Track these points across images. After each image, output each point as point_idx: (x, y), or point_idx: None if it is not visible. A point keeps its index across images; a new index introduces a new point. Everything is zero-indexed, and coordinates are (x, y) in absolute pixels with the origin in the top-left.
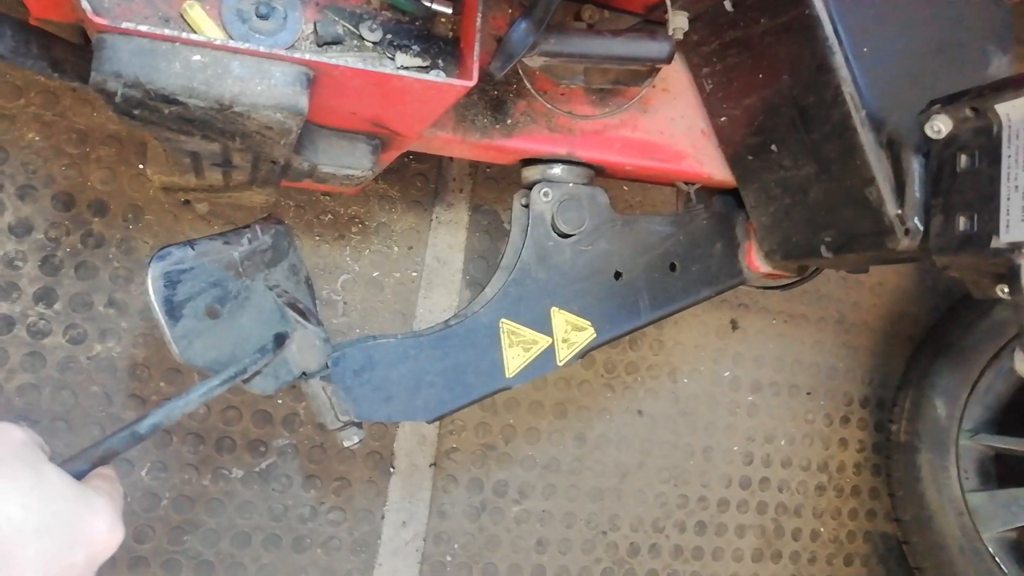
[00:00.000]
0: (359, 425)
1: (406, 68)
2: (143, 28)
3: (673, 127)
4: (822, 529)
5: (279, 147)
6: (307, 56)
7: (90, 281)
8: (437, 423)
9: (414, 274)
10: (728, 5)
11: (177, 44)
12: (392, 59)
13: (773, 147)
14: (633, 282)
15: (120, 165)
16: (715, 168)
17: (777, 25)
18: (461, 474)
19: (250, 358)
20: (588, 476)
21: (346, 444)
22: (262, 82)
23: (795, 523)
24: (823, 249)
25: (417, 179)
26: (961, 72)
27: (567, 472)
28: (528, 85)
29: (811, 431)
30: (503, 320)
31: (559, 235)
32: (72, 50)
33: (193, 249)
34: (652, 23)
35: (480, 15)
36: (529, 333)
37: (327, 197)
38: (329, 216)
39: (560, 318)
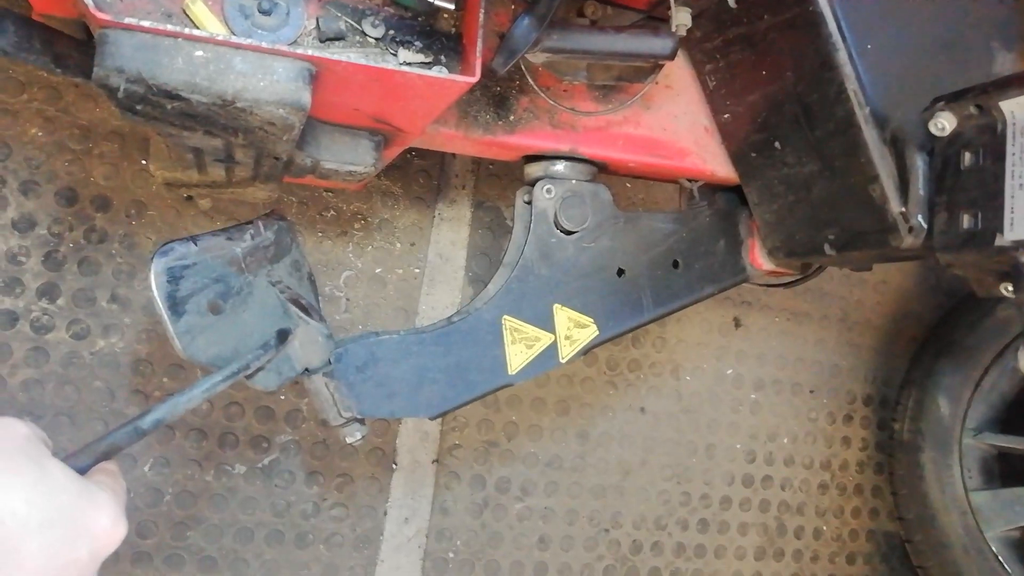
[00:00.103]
0: (362, 421)
1: (408, 64)
2: (146, 24)
3: (676, 124)
4: (825, 527)
5: (282, 143)
6: (309, 52)
7: (93, 277)
8: (440, 420)
9: (416, 270)
10: (731, 2)
11: (180, 40)
12: (395, 55)
13: (776, 144)
14: (636, 279)
15: (123, 161)
16: (718, 165)
17: (780, 22)
18: (464, 471)
19: (253, 354)
20: (591, 473)
21: (349, 440)
22: (264, 78)
23: (798, 521)
24: (826, 247)
25: (420, 175)
26: (965, 69)
27: (569, 469)
28: (531, 81)
29: (814, 429)
30: (506, 317)
31: (562, 232)
32: (75, 46)
33: (196, 245)
34: (655, 19)
35: (483, 11)
36: (532, 330)
37: (330, 193)
38: (332, 212)
39: (563, 315)
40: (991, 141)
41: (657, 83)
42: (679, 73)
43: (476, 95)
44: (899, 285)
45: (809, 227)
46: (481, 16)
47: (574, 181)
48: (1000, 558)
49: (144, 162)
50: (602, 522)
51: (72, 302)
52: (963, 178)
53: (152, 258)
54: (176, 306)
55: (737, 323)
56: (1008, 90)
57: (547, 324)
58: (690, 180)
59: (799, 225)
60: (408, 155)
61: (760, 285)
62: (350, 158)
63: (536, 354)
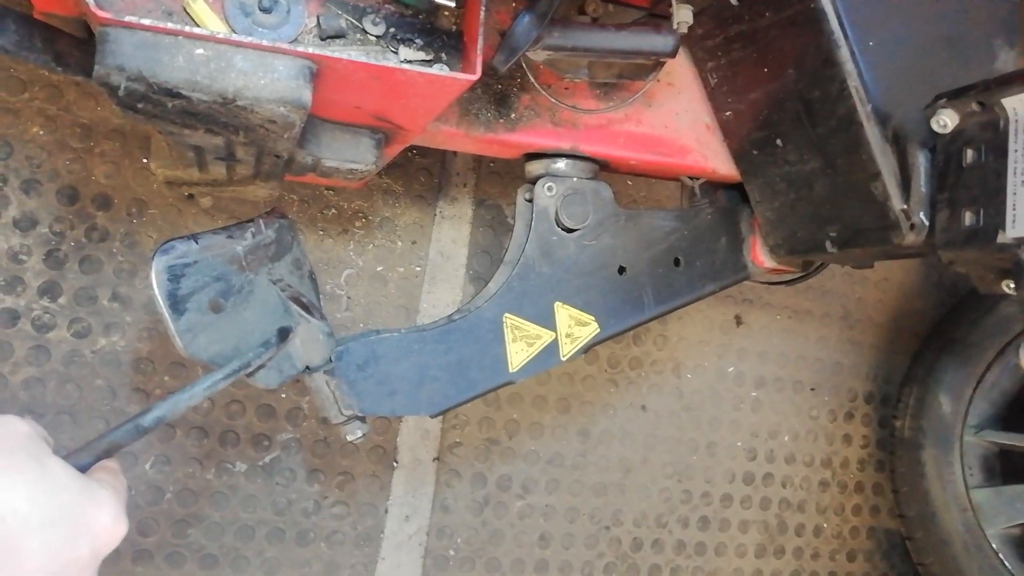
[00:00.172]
0: (362, 419)
1: (409, 62)
2: (146, 22)
3: (678, 121)
4: (825, 525)
5: (282, 141)
6: (310, 50)
7: (94, 275)
8: (440, 418)
9: (418, 269)
10: None
11: (180, 38)
12: (395, 53)
13: (778, 141)
14: (637, 277)
15: (124, 159)
16: (720, 163)
17: (782, 19)
18: (464, 469)
19: (254, 352)
20: (592, 471)
21: (350, 438)
22: (265, 76)
23: (798, 519)
24: (828, 244)
25: (421, 174)
26: (967, 66)
27: (570, 467)
28: (532, 79)
29: (815, 427)
30: (507, 315)
31: (563, 230)
32: (76, 44)
33: (197, 243)
34: (657, 17)
35: (484, 9)
36: (533, 328)
37: (331, 192)
38: (333, 211)
39: (564, 313)
40: (993, 138)
41: (658, 81)
42: (680, 70)
43: (477, 93)
44: (901, 282)
45: (811, 224)
46: (482, 14)
47: (575, 179)
48: (1001, 555)
49: (145, 160)
50: (603, 520)
51: (73, 300)
52: (965, 175)
53: (153, 256)
54: (177, 304)
55: (738, 321)
56: (1010, 87)
57: (548, 322)
58: (691, 178)
59: (801, 222)
60: (409, 153)
61: (761, 283)
62: (351, 156)
63: (537, 352)
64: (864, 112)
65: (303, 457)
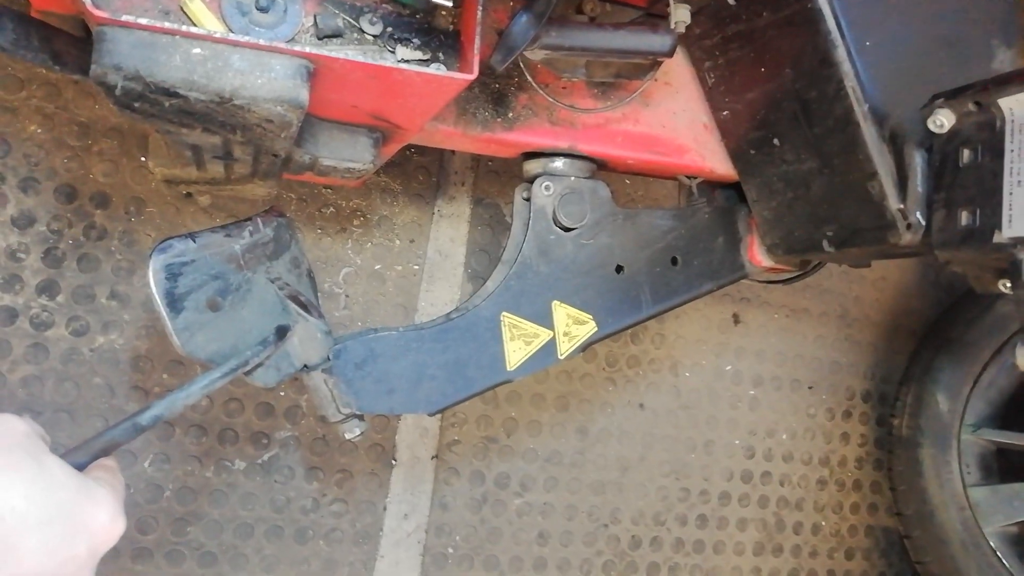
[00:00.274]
0: (361, 418)
1: (406, 61)
2: (143, 21)
3: (675, 121)
4: (823, 523)
5: (280, 140)
6: (307, 49)
7: (92, 273)
8: (439, 416)
9: (416, 267)
10: None
11: (177, 37)
12: (392, 52)
13: (775, 141)
14: (635, 276)
15: (122, 158)
16: (717, 162)
17: (779, 19)
18: (463, 466)
19: (251, 350)
20: (590, 469)
21: (348, 436)
22: (262, 75)
23: (796, 517)
24: (825, 243)
25: (419, 172)
26: (965, 66)
27: (569, 465)
28: (529, 78)
29: (813, 425)
30: (504, 313)
31: (561, 229)
32: (73, 43)
33: (194, 242)
34: (654, 16)
35: (481, 8)
36: (530, 326)
37: (329, 190)
38: (331, 209)
39: (561, 312)
40: (990, 138)
41: (656, 80)
42: (678, 70)
43: (475, 92)
44: (898, 281)
45: (808, 224)
46: (479, 13)
47: (573, 178)
48: (998, 553)
49: (143, 159)
50: (601, 518)
51: (71, 299)
52: (962, 175)
53: (150, 255)
54: (174, 303)
55: (736, 319)
56: (1007, 87)
57: (546, 321)
58: (689, 177)
59: (798, 222)
60: (407, 152)
61: (759, 281)
62: (348, 155)
63: (535, 350)
64: (861, 112)
65: (302, 455)
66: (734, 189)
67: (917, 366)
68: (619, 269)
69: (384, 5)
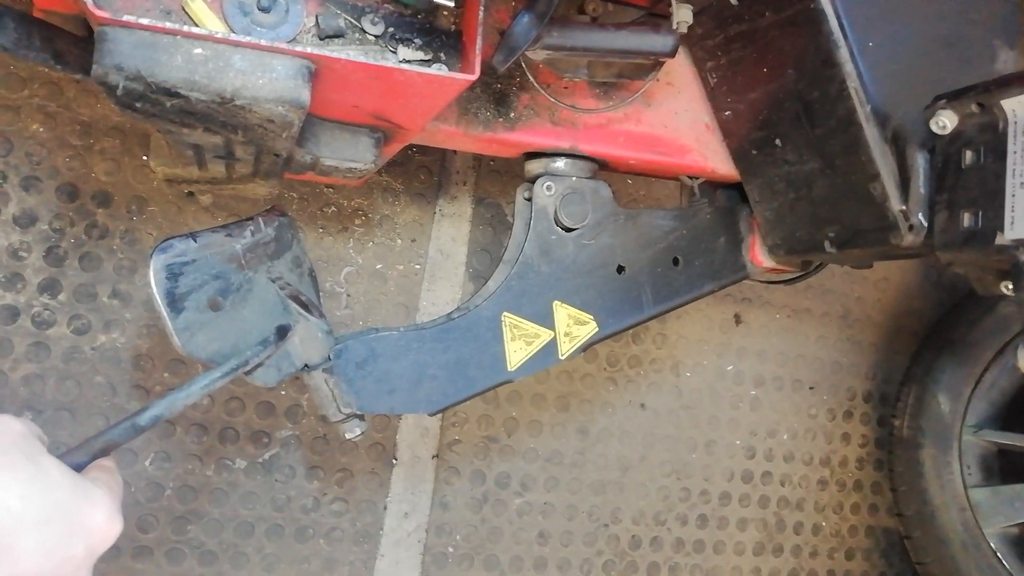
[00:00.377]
0: (361, 417)
1: (408, 62)
2: (145, 21)
3: (677, 121)
4: (824, 523)
5: (281, 140)
6: (309, 49)
7: (94, 272)
8: (439, 415)
9: (417, 267)
10: None
11: (179, 37)
12: (394, 52)
13: (777, 142)
14: (636, 276)
15: (124, 156)
16: (719, 162)
17: (782, 19)
18: (463, 466)
19: (252, 350)
20: (590, 469)
21: (348, 436)
22: (264, 75)
23: (797, 517)
24: (827, 244)
25: (421, 172)
26: (967, 67)
27: (569, 465)
28: (531, 78)
29: (814, 426)
30: (505, 313)
31: (562, 229)
32: (75, 42)
33: (195, 241)
34: (656, 16)
35: (482, 8)
36: (531, 327)
37: (330, 189)
38: (332, 208)
39: (562, 312)
40: (992, 139)
41: (658, 80)
42: (680, 70)
43: (476, 92)
44: (900, 282)
45: (810, 225)
46: (481, 13)
47: (574, 178)
48: (999, 555)
49: (145, 158)
50: (601, 517)
51: (73, 297)
52: (964, 176)
53: (151, 255)
54: (175, 303)
55: (738, 320)
56: (1010, 88)
57: (547, 321)
58: (691, 177)
59: (800, 222)
60: (409, 151)
61: (761, 282)
62: (350, 155)
63: (536, 351)
64: (863, 113)
65: (302, 454)
66: (736, 189)
67: (919, 367)
68: (620, 269)
69: (386, 5)
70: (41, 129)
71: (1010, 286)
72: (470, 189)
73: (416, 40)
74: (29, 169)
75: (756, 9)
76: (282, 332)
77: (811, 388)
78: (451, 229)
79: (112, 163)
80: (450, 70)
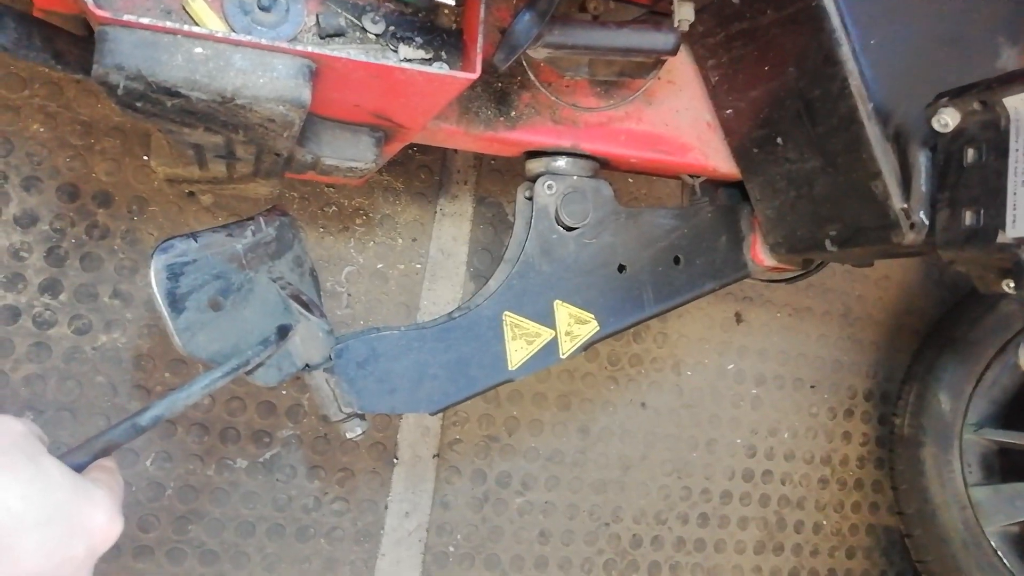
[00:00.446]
0: (362, 417)
1: (409, 60)
2: (145, 20)
3: (678, 119)
4: (825, 522)
5: (282, 139)
6: (309, 48)
7: (95, 272)
8: (440, 415)
9: (418, 266)
10: None
11: (179, 37)
12: (395, 51)
13: (779, 140)
14: (637, 275)
15: (124, 156)
16: (720, 161)
17: (784, 17)
18: (464, 465)
19: (253, 350)
20: (591, 468)
21: (349, 435)
22: (264, 75)
23: (798, 516)
24: (828, 243)
25: (421, 171)
26: (969, 65)
27: (570, 464)
28: (532, 77)
29: (815, 424)
30: (506, 313)
31: (563, 228)
32: (75, 42)
33: (196, 241)
34: (658, 14)
35: (483, 7)
36: (532, 326)
37: (331, 189)
38: (333, 208)
39: (563, 311)
40: (994, 137)
41: (659, 79)
42: (681, 68)
43: (477, 91)
44: (901, 280)
45: (811, 223)
46: (482, 12)
47: (575, 177)
48: (999, 553)
49: (146, 158)
50: (603, 516)
51: (74, 297)
52: (966, 175)
53: (152, 255)
54: (176, 303)
55: (739, 318)
56: (1012, 86)
57: (548, 320)
58: (692, 176)
59: (801, 221)
60: (410, 151)
61: (762, 281)
62: (351, 154)
63: (537, 350)
64: (865, 111)
65: (303, 454)
66: (737, 188)
67: (920, 365)
68: (621, 268)
69: (386, 4)
70: (42, 129)
71: (1011, 284)
72: (471, 188)
73: (417, 39)
74: (30, 169)
75: (757, 7)
76: (283, 332)
77: (812, 386)
78: (452, 228)
79: (113, 163)
80: (451, 69)
